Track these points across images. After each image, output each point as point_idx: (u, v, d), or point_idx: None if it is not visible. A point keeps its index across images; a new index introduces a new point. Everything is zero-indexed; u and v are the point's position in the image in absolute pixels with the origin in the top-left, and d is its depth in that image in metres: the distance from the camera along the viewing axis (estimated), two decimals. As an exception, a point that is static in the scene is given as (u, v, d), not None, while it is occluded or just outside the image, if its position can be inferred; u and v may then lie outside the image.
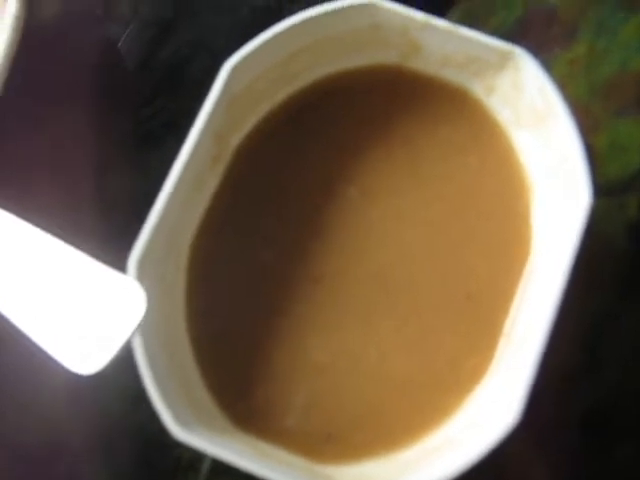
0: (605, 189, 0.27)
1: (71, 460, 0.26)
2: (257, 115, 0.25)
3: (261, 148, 0.25)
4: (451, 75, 0.25)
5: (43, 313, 0.21)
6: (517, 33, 0.29)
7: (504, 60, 0.23)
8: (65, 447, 0.27)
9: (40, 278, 0.21)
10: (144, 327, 0.21)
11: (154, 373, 0.21)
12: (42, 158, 0.30)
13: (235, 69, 0.23)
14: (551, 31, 0.30)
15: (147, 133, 0.31)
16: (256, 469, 0.20)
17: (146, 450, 0.26)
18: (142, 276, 0.21)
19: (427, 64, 0.25)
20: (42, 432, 0.27)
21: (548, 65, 0.23)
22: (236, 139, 0.25)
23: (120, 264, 0.21)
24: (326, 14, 0.24)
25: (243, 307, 0.24)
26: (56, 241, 0.22)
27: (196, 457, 0.25)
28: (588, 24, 0.29)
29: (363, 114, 0.25)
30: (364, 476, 0.21)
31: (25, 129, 0.29)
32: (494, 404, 0.21)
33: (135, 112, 0.31)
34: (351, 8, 0.24)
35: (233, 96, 0.24)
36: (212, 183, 0.25)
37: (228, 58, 0.23)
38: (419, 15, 0.23)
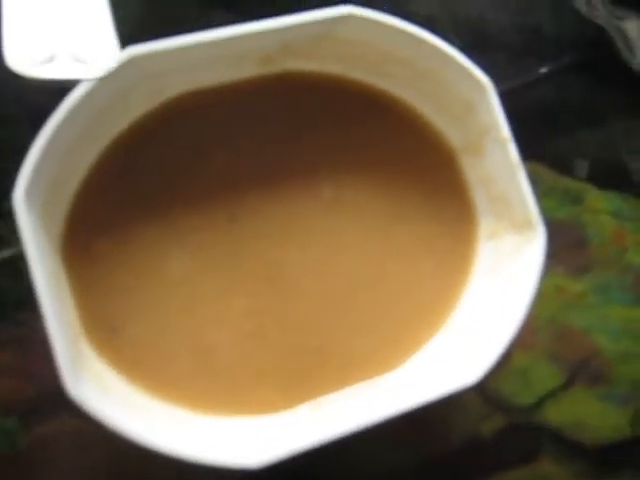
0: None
1: None
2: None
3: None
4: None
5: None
6: (552, 229, 0.28)
7: (525, 226, 0.23)
8: None
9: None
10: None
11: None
12: None
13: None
14: (572, 253, 0.30)
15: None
16: (43, 291, 0.18)
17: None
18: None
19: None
20: None
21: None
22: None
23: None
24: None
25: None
26: None
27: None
28: (598, 277, 0.29)
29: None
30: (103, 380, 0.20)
31: None
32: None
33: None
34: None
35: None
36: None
37: None
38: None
